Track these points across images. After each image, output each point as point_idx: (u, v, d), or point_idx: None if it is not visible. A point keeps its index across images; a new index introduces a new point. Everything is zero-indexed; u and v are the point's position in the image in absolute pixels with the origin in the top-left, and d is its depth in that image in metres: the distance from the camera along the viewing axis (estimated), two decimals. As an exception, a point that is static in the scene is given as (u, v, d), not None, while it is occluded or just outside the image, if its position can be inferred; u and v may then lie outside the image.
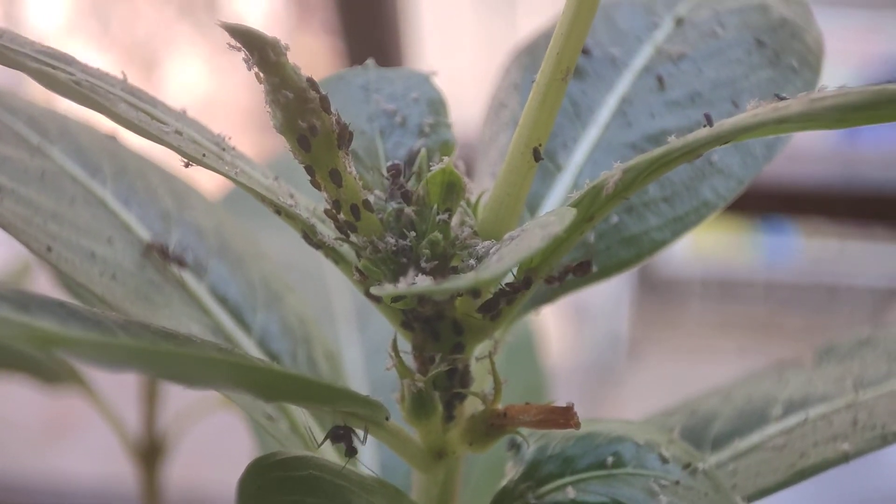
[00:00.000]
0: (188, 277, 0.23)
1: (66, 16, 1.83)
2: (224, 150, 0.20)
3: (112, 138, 0.27)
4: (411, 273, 0.17)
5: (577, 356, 1.59)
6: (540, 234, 0.17)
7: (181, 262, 0.23)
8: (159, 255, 0.23)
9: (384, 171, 0.21)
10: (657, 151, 0.17)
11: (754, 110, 0.16)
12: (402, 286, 0.16)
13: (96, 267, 0.22)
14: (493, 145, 0.24)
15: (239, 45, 0.18)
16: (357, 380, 0.28)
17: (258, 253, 0.25)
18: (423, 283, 0.17)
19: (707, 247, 1.77)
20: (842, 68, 1.34)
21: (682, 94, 0.24)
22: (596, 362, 1.62)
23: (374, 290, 0.17)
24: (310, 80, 0.19)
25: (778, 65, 0.25)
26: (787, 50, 0.25)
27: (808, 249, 1.69)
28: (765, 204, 0.60)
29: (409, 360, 0.20)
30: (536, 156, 0.20)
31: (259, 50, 0.18)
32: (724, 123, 0.17)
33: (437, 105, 0.22)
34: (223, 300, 0.23)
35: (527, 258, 0.16)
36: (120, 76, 0.21)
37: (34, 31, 1.73)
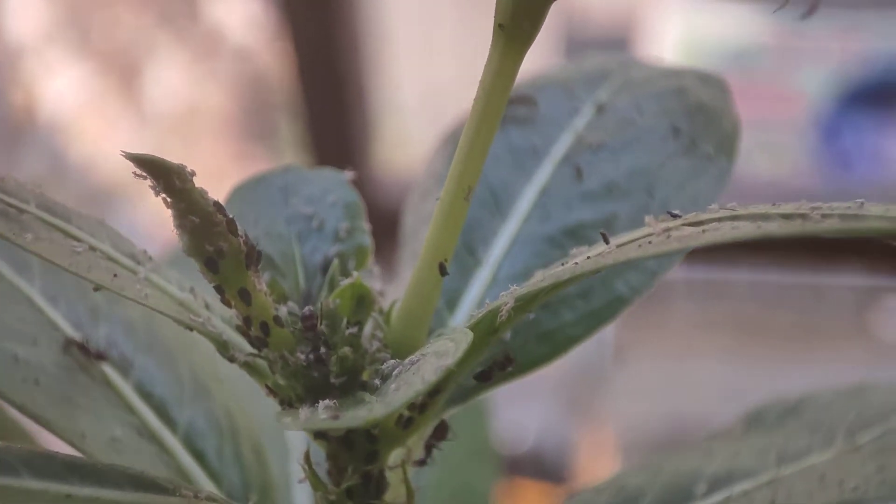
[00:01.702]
0: (113, 375, 0.24)
1: (45, 24, 1.82)
2: (140, 263, 0.21)
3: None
4: (309, 409, 0.18)
5: (562, 360, 1.60)
6: (434, 365, 0.17)
7: (103, 359, 0.23)
8: (80, 352, 0.23)
9: (301, 277, 0.22)
10: (545, 283, 0.18)
11: (618, 243, 0.17)
12: (303, 417, 0.17)
13: (19, 372, 0.22)
14: (415, 238, 0.25)
15: (144, 173, 0.19)
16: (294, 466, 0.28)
17: (189, 342, 0.25)
18: (323, 414, 0.17)
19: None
20: (822, 68, 1.35)
21: (598, 185, 0.25)
22: (581, 366, 1.63)
23: (277, 417, 0.17)
24: (216, 204, 0.19)
25: (694, 152, 0.25)
26: (704, 136, 0.25)
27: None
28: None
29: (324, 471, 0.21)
30: (442, 271, 0.20)
31: (164, 178, 0.19)
32: (585, 264, 0.17)
33: (353, 209, 0.22)
34: (149, 397, 0.24)
35: (421, 392, 0.17)
36: (36, 189, 0.22)
37: (13, 40, 1.73)
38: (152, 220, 1.72)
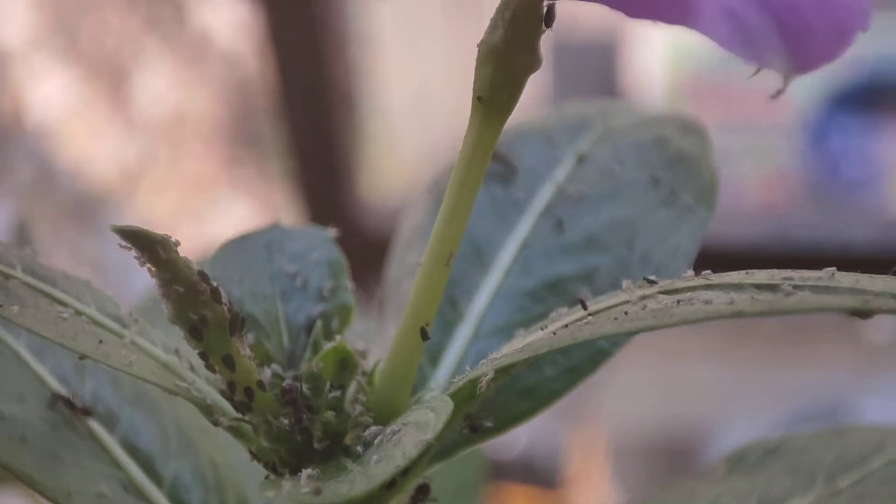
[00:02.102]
0: (99, 429, 0.24)
1: (32, 30, 1.82)
2: (125, 325, 0.21)
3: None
4: (292, 481, 0.18)
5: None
6: (415, 439, 0.17)
7: (89, 414, 0.24)
8: (67, 407, 0.23)
9: (285, 337, 0.22)
10: (523, 355, 0.18)
11: (568, 319, 0.17)
12: (286, 492, 0.17)
13: (5, 429, 0.22)
14: (398, 290, 0.25)
15: (129, 245, 0.19)
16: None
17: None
18: (305, 488, 0.17)
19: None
20: (813, 74, 1.36)
21: (579, 238, 0.25)
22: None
23: (260, 488, 0.18)
24: (201, 273, 0.19)
25: (674, 203, 0.25)
26: (683, 186, 0.26)
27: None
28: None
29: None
30: (424, 336, 0.20)
31: (149, 249, 0.19)
32: (531, 344, 0.17)
33: (336, 267, 0.23)
34: (135, 451, 0.24)
35: (402, 466, 0.17)
36: (25, 252, 0.22)
37: (0, 45, 1.73)
38: (140, 224, 1.71)
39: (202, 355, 0.20)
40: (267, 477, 0.20)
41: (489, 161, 0.20)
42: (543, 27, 0.19)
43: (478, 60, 0.19)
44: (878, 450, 0.27)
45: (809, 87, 1.33)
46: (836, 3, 0.17)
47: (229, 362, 0.20)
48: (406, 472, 0.21)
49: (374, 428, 0.20)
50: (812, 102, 1.33)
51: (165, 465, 0.24)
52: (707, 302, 0.18)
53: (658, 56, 1.38)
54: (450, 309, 0.25)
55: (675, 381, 1.49)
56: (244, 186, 1.81)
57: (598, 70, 1.47)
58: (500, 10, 0.19)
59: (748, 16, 0.16)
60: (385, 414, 0.21)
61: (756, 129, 1.36)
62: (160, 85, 1.79)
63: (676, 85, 1.36)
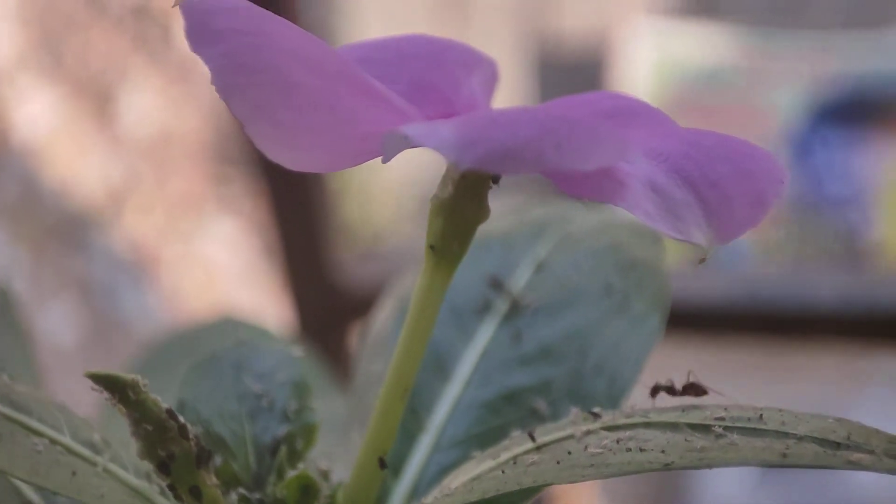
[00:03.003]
0: None
1: (17, 48, 1.82)
2: (98, 452, 0.22)
3: None
4: None
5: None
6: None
7: None
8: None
9: (252, 458, 0.23)
10: (471, 498, 0.19)
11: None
12: None
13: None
14: (363, 401, 0.26)
15: (100, 388, 0.20)
16: None
17: None
18: None
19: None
20: (793, 88, 1.38)
21: (535, 348, 0.26)
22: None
23: None
24: (169, 411, 0.20)
25: (627, 311, 0.27)
26: (636, 294, 0.27)
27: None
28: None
29: None
30: (382, 465, 0.22)
31: (119, 391, 0.20)
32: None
33: (301, 389, 0.24)
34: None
35: None
36: (2, 379, 0.23)
37: (-15, 65, 1.73)
38: (126, 244, 1.72)
39: (170, 487, 0.21)
40: None
41: (441, 302, 0.21)
42: (491, 183, 0.20)
43: (430, 212, 0.20)
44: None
45: (792, 104, 1.35)
46: (754, 176, 0.18)
47: (196, 493, 0.21)
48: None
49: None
50: (795, 118, 1.35)
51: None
52: (642, 449, 0.19)
53: (644, 72, 1.39)
54: (412, 420, 0.26)
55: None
56: (231, 204, 1.82)
57: (583, 86, 1.48)
58: (449, 170, 0.20)
59: (671, 193, 0.17)
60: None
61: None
62: (146, 104, 1.79)
63: (662, 100, 1.37)
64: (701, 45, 1.38)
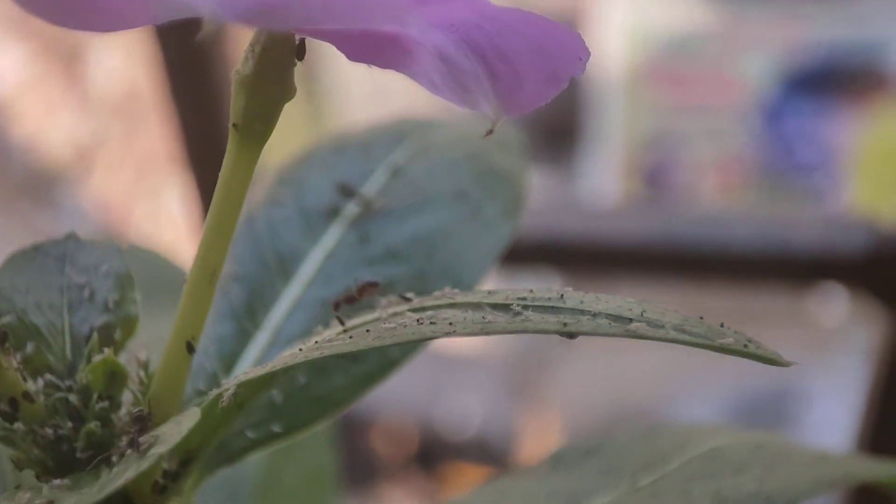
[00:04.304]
0: None
1: (-15, 3, 1.79)
2: None
3: None
4: (28, 494, 0.19)
5: (506, 345, 1.62)
6: (152, 452, 0.18)
7: None
8: None
9: (68, 348, 0.23)
10: (264, 371, 0.19)
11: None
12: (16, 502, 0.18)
13: None
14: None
15: None
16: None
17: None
18: (38, 500, 0.18)
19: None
20: (764, 56, 1.37)
21: (382, 250, 0.26)
22: (526, 351, 1.65)
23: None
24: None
25: (477, 217, 0.26)
26: (489, 200, 0.26)
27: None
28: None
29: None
30: (189, 349, 0.21)
31: None
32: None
33: (123, 280, 0.23)
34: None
35: (130, 478, 0.18)
36: None
37: (-48, 20, 1.71)
38: (95, 202, 1.71)
39: (-36, 367, 0.20)
40: (18, 486, 0.20)
41: (248, 185, 0.20)
42: (296, 60, 0.20)
43: (233, 89, 0.20)
44: (680, 449, 0.28)
45: (764, 72, 1.34)
46: (549, 53, 0.18)
47: (-8, 375, 0.20)
48: (176, 477, 0.22)
49: (126, 440, 0.21)
50: (767, 85, 1.35)
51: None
52: (432, 322, 0.18)
53: (616, 39, 1.38)
54: (247, 319, 0.25)
55: (629, 365, 1.51)
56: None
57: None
58: (252, 44, 0.19)
59: (459, 62, 0.17)
60: (158, 424, 0.21)
61: (712, 111, 1.37)
62: (115, 61, 1.77)
63: (634, 68, 1.36)
64: (673, 12, 1.37)
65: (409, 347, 0.24)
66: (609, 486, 0.28)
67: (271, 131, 0.20)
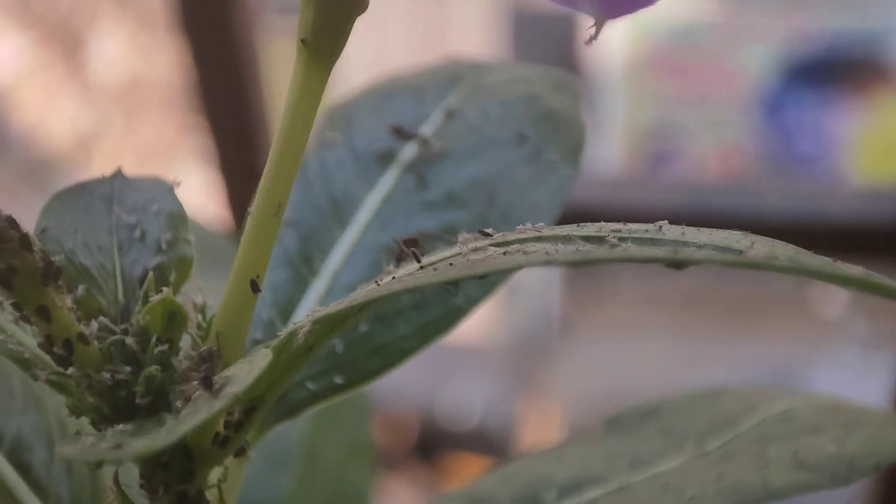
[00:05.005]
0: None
1: (-16, -8, 1.78)
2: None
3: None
4: (94, 437, 0.18)
5: (507, 335, 1.60)
6: (224, 392, 0.17)
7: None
8: None
9: (120, 290, 0.21)
10: (341, 307, 0.18)
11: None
12: (80, 448, 0.17)
13: None
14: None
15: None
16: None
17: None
18: (105, 443, 0.17)
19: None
20: (765, 46, 1.36)
21: (439, 194, 0.24)
22: (527, 341, 1.64)
23: (58, 450, 0.17)
24: (9, 219, 0.19)
25: (538, 161, 0.25)
26: (550, 144, 0.25)
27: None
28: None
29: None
30: (254, 288, 0.20)
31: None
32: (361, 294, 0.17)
33: (176, 219, 0.22)
34: (-26, 408, 0.23)
35: (205, 419, 0.16)
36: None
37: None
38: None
39: (15, 306, 0.19)
40: (77, 433, 0.19)
41: (317, 109, 0.19)
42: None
43: (301, 1, 0.18)
44: (750, 412, 0.27)
45: (765, 62, 1.34)
46: None
47: (45, 313, 0.19)
48: (239, 427, 0.20)
49: (196, 382, 0.19)
50: (768, 76, 1.34)
51: (7, 424, 0.23)
52: (527, 253, 0.17)
53: (618, 29, 1.38)
54: (303, 266, 0.24)
55: (631, 353, 1.50)
56: (202, 154, 1.79)
57: (557, 41, 1.46)
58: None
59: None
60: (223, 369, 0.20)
61: (714, 102, 1.37)
62: (116, 50, 1.75)
63: (636, 58, 1.36)
64: (675, 3, 1.36)
65: (477, 296, 0.23)
66: (673, 449, 0.27)
67: (341, 49, 0.19)
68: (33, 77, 1.76)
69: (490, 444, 1.31)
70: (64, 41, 1.76)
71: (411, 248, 0.21)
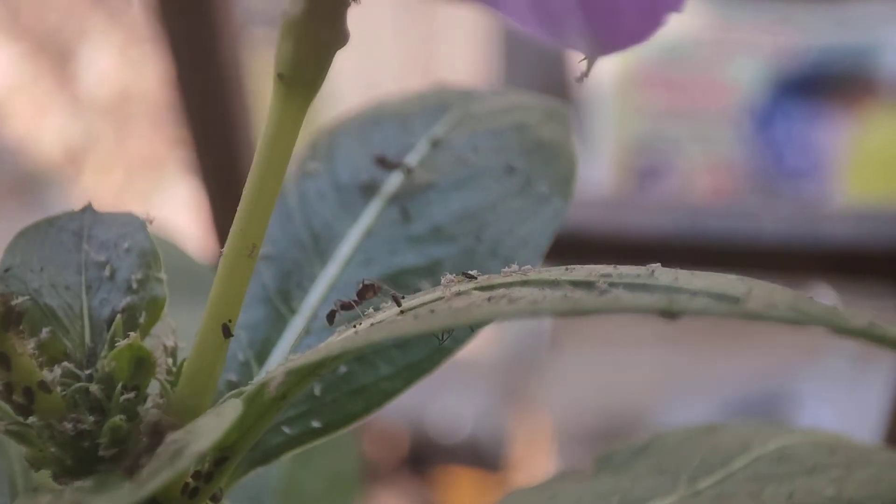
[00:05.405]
0: None
1: (-28, 4, 1.77)
2: None
3: None
4: (49, 496, 0.17)
5: (497, 348, 1.59)
6: (190, 450, 0.16)
7: None
8: None
9: (87, 333, 0.20)
10: (313, 357, 0.17)
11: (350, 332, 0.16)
12: (41, 505, 0.16)
13: None
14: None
15: None
16: None
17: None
18: (65, 502, 0.16)
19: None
20: (754, 61, 1.36)
21: (425, 228, 0.23)
22: (517, 354, 1.63)
23: (19, 501, 0.16)
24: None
25: (528, 193, 0.24)
26: (539, 175, 0.24)
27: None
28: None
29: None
30: (226, 333, 0.19)
31: None
32: (344, 342, 0.16)
33: (148, 257, 0.21)
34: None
35: (169, 479, 0.15)
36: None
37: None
38: (85, 204, 1.67)
39: (-26, 353, 0.18)
40: (35, 489, 0.18)
41: (293, 146, 0.18)
42: (350, 0, 0.17)
43: (279, 34, 0.17)
44: (743, 450, 0.26)
45: (754, 77, 1.34)
46: None
47: (3, 361, 0.18)
48: (209, 478, 0.19)
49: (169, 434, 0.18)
50: (758, 90, 1.34)
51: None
52: (512, 300, 0.16)
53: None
54: (281, 303, 0.23)
55: (620, 366, 1.49)
56: (189, 168, 1.77)
57: (549, 57, 1.46)
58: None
59: (553, -2, 0.15)
60: (186, 419, 0.19)
61: (704, 116, 1.37)
62: (105, 63, 1.75)
63: (626, 73, 1.35)
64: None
65: (462, 336, 0.22)
66: (664, 489, 0.26)
67: (322, 82, 0.18)
68: (22, 90, 1.75)
69: (481, 456, 1.30)
70: (53, 54, 1.75)
71: (370, 294, 0.20)
